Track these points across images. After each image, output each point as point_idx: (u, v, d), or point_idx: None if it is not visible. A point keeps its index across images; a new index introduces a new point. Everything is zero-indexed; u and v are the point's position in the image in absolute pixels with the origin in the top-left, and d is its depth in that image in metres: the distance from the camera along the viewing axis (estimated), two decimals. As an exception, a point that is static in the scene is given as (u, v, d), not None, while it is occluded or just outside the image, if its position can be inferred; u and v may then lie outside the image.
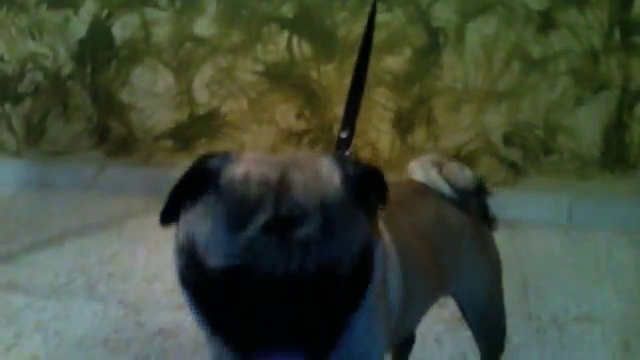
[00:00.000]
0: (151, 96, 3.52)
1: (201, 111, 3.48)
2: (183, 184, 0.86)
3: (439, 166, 1.33)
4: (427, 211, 1.26)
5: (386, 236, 1.02)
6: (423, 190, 1.31)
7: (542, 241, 2.88)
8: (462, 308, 1.40)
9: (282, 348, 0.78)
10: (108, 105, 3.58)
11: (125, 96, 3.55)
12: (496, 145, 3.24)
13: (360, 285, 0.85)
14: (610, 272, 2.53)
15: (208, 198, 0.82)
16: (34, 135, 3.71)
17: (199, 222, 0.82)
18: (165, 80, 3.49)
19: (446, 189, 1.30)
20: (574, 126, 3.17)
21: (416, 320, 1.32)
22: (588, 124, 3.17)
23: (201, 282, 0.81)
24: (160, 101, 3.51)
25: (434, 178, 1.31)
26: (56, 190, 3.58)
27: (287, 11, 3.27)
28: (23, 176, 3.71)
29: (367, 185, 0.87)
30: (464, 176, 1.32)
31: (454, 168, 1.33)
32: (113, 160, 3.62)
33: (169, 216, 0.88)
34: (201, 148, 3.45)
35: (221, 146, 3.37)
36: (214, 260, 0.78)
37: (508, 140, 3.23)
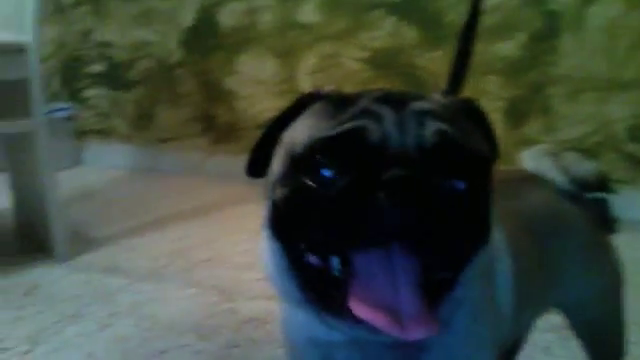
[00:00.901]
0: (256, 84, 3.51)
1: (304, 98, 3.42)
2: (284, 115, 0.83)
3: (554, 155, 1.17)
4: (535, 202, 1.10)
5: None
6: (534, 180, 1.15)
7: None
8: (569, 320, 1.23)
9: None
10: (214, 92, 3.61)
11: (230, 84, 3.57)
12: (620, 139, 2.97)
13: (479, 215, 0.73)
14: None
15: (312, 107, 0.79)
16: (144, 121, 3.81)
17: (301, 124, 0.78)
18: (270, 67, 3.47)
19: (560, 180, 1.14)
20: None
21: (527, 325, 1.18)
22: None
23: (302, 188, 0.71)
24: (264, 89, 3.50)
25: (547, 167, 1.16)
26: (162, 175, 3.66)
27: (393, -5, 3.16)
28: (132, 161, 3.82)
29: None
30: (583, 167, 1.16)
31: (571, 158, 1.18)
32: (218, 147, 3.65)
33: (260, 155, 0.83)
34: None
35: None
36: (325, 132, 0.71)
37: (633, 134, 2.95)
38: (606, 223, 1.22)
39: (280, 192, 0.75)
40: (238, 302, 2.01)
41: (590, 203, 1.17)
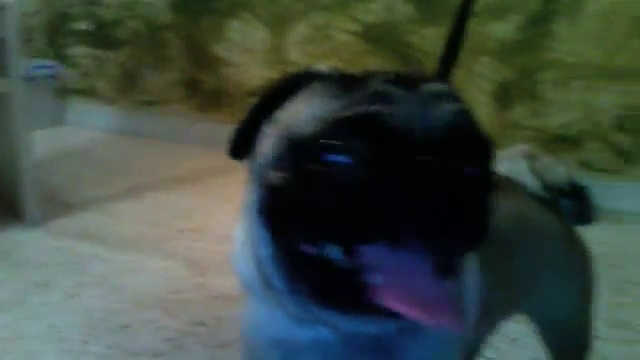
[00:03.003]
0: (244, 51, 3.45)
1: (293, 69, 3.36)
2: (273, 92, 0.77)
3: (531, 158, 1.15)
4: (508, 210, 1.05)
5: None
6: (506, 184, 1.13)
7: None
8: (536, 324, 1.22)
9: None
10: (201, 58, 3.55)
11: (218, 49, 3.50)
12: (605, 128, 2.95)
13: (485, 203, 0.69)
14: None
15: (311, 86, 0.73)
16: (128, 83, 3.74)
17: (302, 104, 0.71)
18: (259, 35, 3.40)
19: (534, 185, 1.12)
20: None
21: (487, 334, 1.16)
22: None
23: (307, 172, 0.66)
24: (253, 57, 3.43)
25: (522, 171, 1.13)
26: (145, 139, 3.61)
27: (389, -31, 3.09)
28: (115, 123, 3.77)
29: None
30: (558, 173, 1.14)
31: (548, 163, 1.15)
32: (202, 114, 3.59)
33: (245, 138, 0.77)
34: (290, 108, 3.37)
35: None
36: (337, 114, 0.65)
37: (619, 124, 2.93)
38: (584, 215, 1.19)
39: (276, 176, 0.70)
40: (208, 277, 1.99)
41: (564, 209, 1.15)
